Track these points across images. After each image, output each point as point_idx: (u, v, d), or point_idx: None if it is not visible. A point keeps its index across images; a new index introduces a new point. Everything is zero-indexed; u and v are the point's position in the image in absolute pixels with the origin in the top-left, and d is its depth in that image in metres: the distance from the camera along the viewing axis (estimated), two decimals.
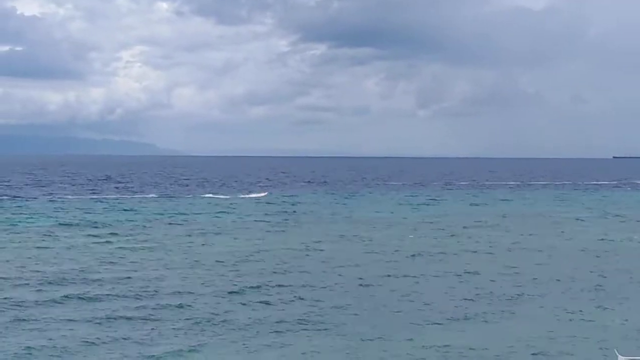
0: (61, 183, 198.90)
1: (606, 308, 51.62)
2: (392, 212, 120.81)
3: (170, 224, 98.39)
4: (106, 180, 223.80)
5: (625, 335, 44.27)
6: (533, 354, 40.00)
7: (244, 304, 50.85)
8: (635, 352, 39.32)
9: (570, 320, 48.29)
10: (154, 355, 39.15)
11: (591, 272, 66.20)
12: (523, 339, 43.00)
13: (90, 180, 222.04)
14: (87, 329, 43.92)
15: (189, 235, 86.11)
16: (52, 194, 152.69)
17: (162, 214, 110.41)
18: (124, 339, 42.05)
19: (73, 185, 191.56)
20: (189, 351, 39.83)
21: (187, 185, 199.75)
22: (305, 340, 42.41)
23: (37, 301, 50.52)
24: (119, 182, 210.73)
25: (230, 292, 54.41)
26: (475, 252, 76.84)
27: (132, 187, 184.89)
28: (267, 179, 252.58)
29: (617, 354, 38.84)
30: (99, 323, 45.21)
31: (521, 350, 40.85)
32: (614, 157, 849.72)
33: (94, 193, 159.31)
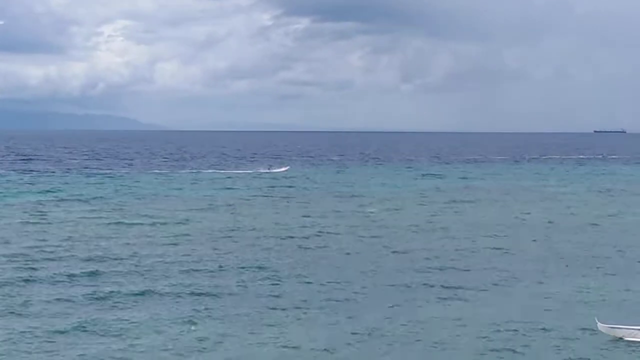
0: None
1: (590, 280, 53.74)
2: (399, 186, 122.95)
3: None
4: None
5: (605, 305, 46.42)
6: (515, 330, 41.56)
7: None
8: (615, 321, 41.62)
9: (554, 292, 50.25)
10: (158, 331, 41.40)
11: (579, 246, 68.38)
12: (507, 313, 44.84)
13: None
14: (86, 306, 45.77)
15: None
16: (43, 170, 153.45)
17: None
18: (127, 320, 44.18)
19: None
20: (195, 330, 41.35)
21: (193, 161, 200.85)
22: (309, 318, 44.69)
23: (27, 279, 52.06)
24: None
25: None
26: (467, 226, 78.82)
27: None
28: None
29: (597, 322, 41.15)
30: (100, 299, 47.13)
31: (504, 324, 42.49)
32: (595, 132, 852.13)
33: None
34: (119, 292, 48.28)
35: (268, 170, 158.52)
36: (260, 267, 56.42)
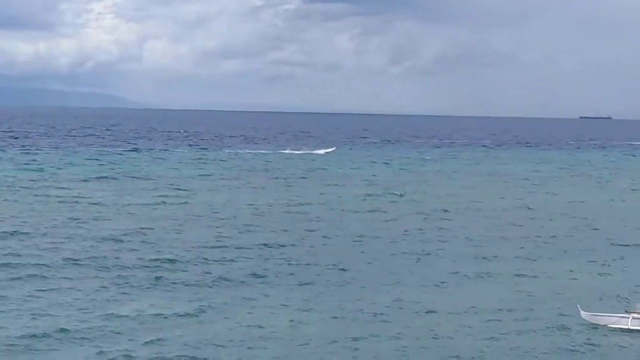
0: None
1: (572, 266, 54.42)
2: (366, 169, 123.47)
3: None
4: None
5: (589, 293, 46.96)
6: (496, 317, 41.99)
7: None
8: (596, 308, 42.27)
9: (536, 277, 50.98)
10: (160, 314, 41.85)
11: (563, 231, 69.15)
12: (489, 299, 45.41)
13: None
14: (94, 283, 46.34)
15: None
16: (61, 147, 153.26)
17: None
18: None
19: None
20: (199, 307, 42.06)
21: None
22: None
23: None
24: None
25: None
26: (458, 211, 79.35)
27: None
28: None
29: (580, 309, 41.73)
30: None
31: (486, 308, 43.18)
32: (580, 117, 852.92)
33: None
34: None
35: (313, 152, 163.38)
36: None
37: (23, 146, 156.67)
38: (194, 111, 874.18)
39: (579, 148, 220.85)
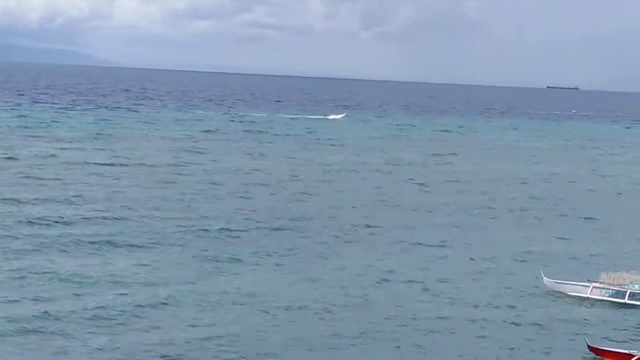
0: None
1: (535, 234, 55.68)
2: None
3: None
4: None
5: (552, 260, 48.25)
6: (459, 283, 42.93)
7: None
8: (559, 276, 43.48)
9: (500, 245, 51.92)
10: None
11: (530, 200, 70.46)
12: (455, 266, 46.59)
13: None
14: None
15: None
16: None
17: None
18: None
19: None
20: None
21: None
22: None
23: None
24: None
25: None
26: (422, 185, 79.77)
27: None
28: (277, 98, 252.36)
29: (543, 276, 42.94)
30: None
31: (452, 277, 43.96)
32: (548, 87, 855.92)
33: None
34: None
35: (325, 117, 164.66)
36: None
37: None
38: (164, 71, 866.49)
39: (547, 117, 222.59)
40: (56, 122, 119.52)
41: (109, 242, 46.75)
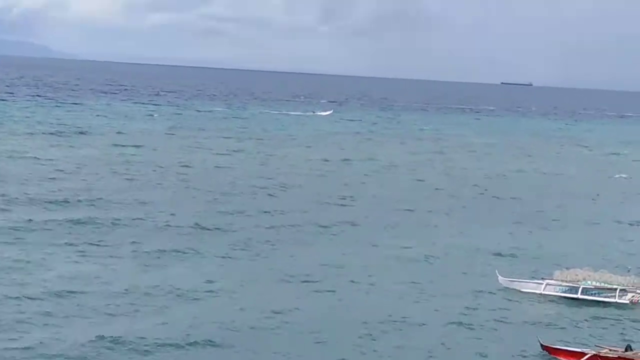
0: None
1: (496, 231, 56.17)
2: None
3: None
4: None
5: (506, 258, 48.73)
6: (416, 279, 43.19)
7: None
8: (513, 275, 43.79)
9: (453, 245, 51.82)
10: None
11: (482, 198, 71.09)
12: (411, 261, 46.97)
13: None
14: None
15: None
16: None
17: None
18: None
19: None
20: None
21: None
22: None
23: None
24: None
25: None
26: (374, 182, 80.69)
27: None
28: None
29: (498, 275, 43.23)
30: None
31: (408, 272, 44.30)
32: (502, 83, 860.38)
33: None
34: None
35: (313, 113, 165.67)
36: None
37: None
38: (121, 64, 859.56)
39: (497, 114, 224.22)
40: None
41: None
